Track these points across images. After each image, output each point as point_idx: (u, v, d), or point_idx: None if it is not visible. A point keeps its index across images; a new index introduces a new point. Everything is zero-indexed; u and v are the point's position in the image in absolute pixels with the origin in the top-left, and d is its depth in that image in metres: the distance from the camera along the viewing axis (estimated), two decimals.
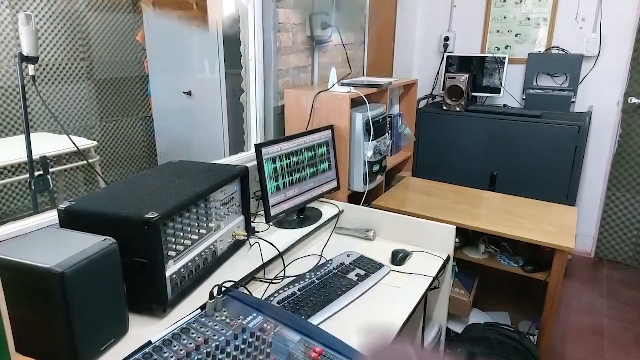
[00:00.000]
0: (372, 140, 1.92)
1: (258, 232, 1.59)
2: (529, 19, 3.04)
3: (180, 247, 1.15)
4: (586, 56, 2.89)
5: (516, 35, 3.10)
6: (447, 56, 3.21)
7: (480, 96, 3.22)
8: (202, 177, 1.33)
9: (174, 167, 1.45)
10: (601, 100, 2.93)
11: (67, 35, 3.26)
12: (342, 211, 1.85)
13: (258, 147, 1.50)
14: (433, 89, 3.42)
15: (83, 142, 2.96)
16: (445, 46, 3.30)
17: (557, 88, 3.00)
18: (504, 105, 3.18)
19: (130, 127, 3.84)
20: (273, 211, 1.56)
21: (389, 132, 2.49)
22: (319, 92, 1.89)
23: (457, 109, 3.00)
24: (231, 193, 1.40)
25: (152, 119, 3.59)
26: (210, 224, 1.30)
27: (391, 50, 3.42)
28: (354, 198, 2.02)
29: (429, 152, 3.15)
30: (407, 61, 3.45)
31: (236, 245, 1.43)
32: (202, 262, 1.25)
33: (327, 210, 1.84)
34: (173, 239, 1.13)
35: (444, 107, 3.03)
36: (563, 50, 2.97)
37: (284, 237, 1.59)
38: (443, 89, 3.02)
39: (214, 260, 1.32)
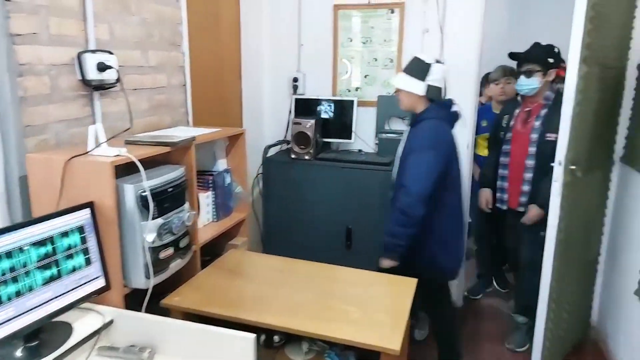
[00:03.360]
0: (154, 218, 1.45)
1: None
2: (376, 59, 2.85)
3: None
4: None
5: (365, 76, 2.89)
6: (296, 99, 2.91)
7: (333, 142, 2.95)
8: None
9: None
10: None
11: None
12: (111, 322, 1.34)
13: None
14: (285, 135, 3.08)
15: None
16: (295, 87, 2.99)
17: None
18: (359, 151, 2.94)
19: None
20: None
21: (213, 192, 2.06)
22: (71, 158, 1.38)
23: (306, 157, 2.68)
24: None
25: None
26: None
27: (238, 93, 3.03)
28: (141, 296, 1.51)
29: (279, 206, 2.78)
30: (257, 105, 3.09)
31: None
32: None
33: (87, 322, 1.31)
34: None
35: (292, 156, 2.69)
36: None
37: None
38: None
39: None
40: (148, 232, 1.43)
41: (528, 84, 2.34)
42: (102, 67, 1.66)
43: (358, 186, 2.65)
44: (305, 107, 2.91)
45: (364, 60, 2.87)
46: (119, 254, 1.42)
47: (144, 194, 1.42)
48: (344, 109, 2.82)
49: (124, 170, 1.48)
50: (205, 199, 2.02)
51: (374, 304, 1.57)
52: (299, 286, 1.68)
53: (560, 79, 2.25)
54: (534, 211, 2.32)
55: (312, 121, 2.62)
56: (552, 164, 2.05)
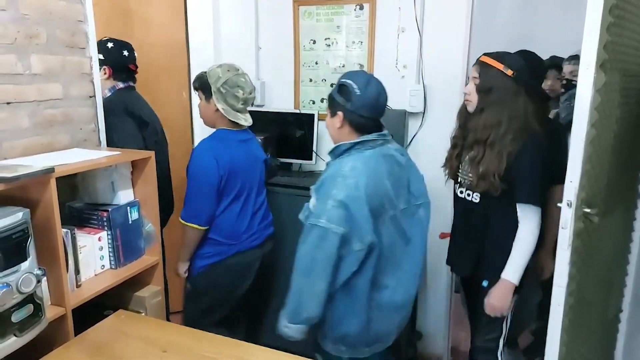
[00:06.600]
0: None
1: None
2: (343, 65, 2.39)
3: None
4: (411, 112, 2.27)
5: (331, 85, 2.44)
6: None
7: (294, 163, 2.49)
8: None
9: None
10: (433, 168, 2.29)
11: None
12: None
13: None
14: None
15: None
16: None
17: None
18: None
19: None
20: None
21: (110, 232, 1.63)
22: None
23: None
24: None
25: None
26: None
27: (187, 107, 2.62)
28: None
29: None
30: None
31: None
32: None
33: None
34: None
35: None
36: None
37: None
38: None
39: None
40: None
41: None
42: None
43: None
44: (261, 121, 2.47)
45: (329, 66, 2.41)
46: None
47: None
48: (304, 124, 2.37)
49: None
50: (97, 241, 1.59)
51: None
52: None
53: None
54: None
55: (260, 139, 2.18)
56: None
